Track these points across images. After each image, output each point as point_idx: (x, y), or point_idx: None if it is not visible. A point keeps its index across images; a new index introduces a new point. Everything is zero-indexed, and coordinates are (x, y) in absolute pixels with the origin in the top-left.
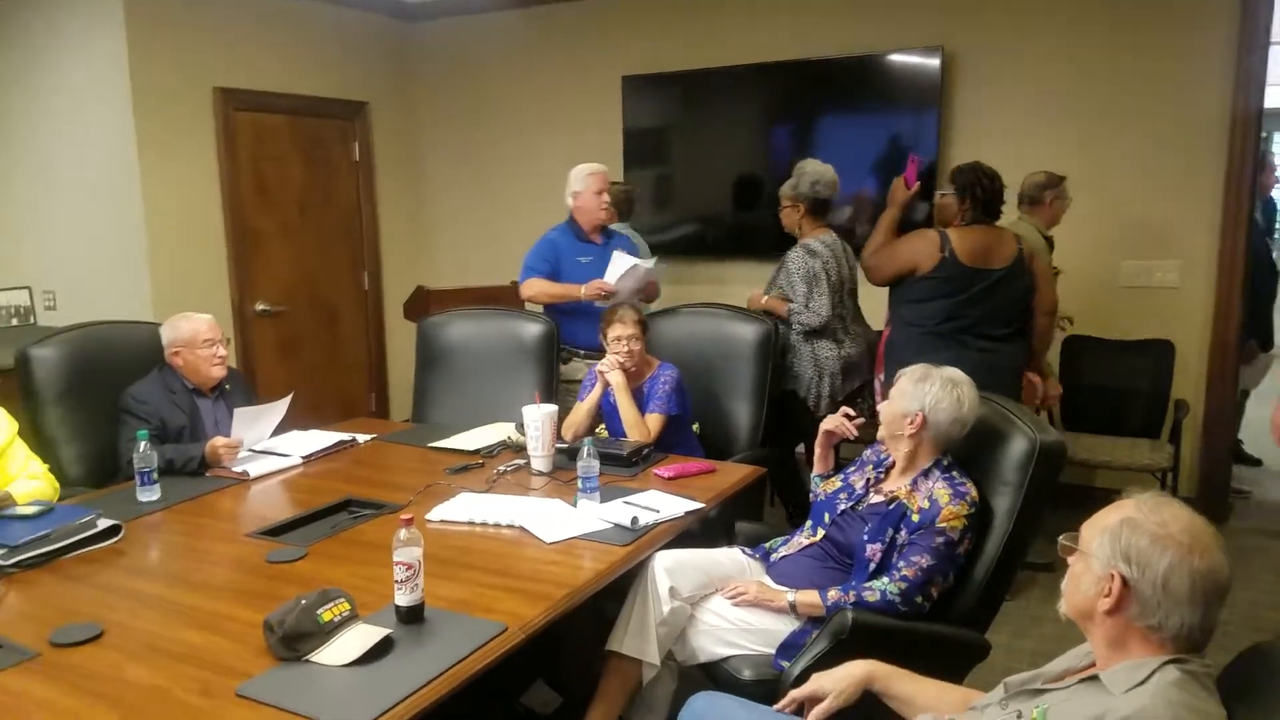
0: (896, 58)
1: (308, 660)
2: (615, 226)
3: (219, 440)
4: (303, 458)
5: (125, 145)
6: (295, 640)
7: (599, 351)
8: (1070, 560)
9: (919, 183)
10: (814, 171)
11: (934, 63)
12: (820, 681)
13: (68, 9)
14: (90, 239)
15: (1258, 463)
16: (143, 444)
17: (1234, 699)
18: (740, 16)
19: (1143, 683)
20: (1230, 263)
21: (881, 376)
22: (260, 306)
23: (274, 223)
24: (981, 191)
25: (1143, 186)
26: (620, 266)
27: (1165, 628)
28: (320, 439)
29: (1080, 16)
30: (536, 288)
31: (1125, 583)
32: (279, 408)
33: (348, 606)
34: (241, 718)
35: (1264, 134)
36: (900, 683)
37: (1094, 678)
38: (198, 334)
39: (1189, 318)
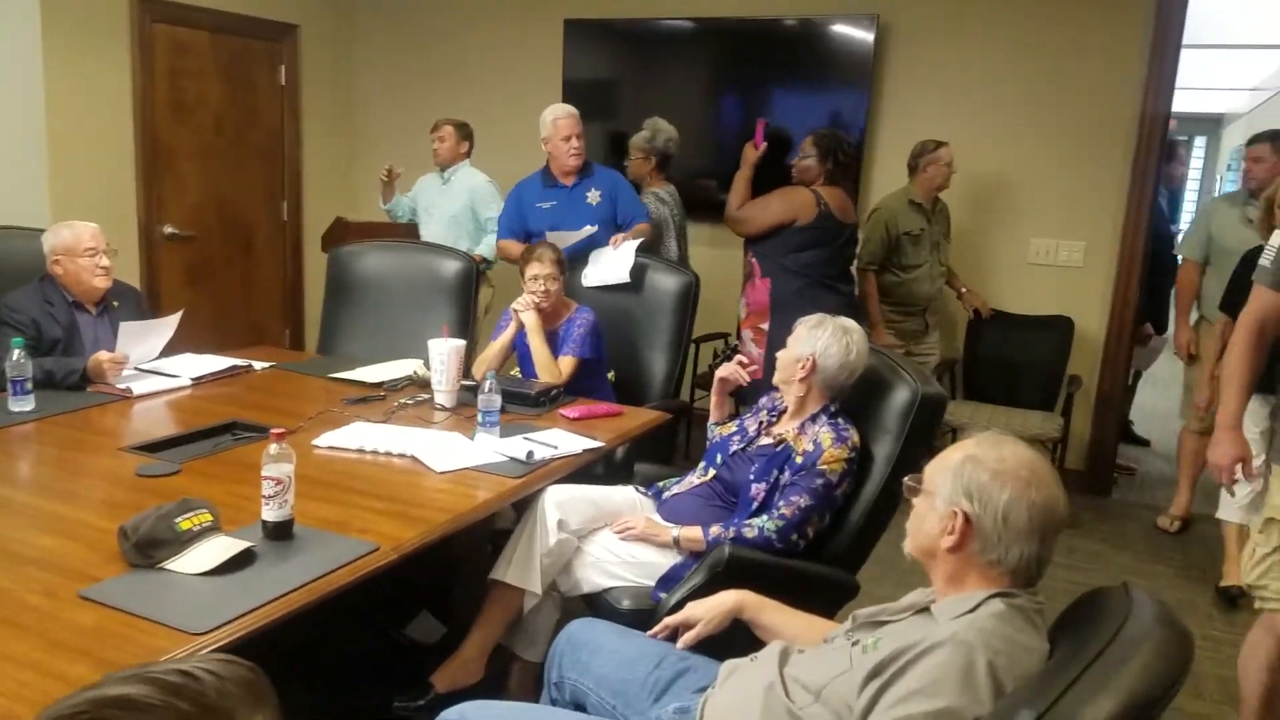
0: (836, 25)
1: (161, 568)
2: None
3: (103, 355)
4: (192, 379)
5: (31, 51)
6: (149, 547)
7: None
8: (915, 501)
9: (765, 144)
10: (667, 129)
11: (869, 35)
12: (692, 609)
13: None
14: None
15: (1146, 443)
16: (17, 352)
17: (1061, 633)
18: None
19: (967, 613)
20: (1131, 247)
21: (764, 325)
22: (169, 230)
23: (189, 143)
24: (843, 155)
25: (1056, 169)
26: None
27: (1005, 561)
28: (213, 362)
29: (1012, 3)
30: (506, 252)
31: (968, 519)
32: (168, 324)
33: (209, 517)
34: (81, 620)
35: (1184, 137)
36: (768, 613)
37: (927, 609)
38: (79, 241)
39: (1090, 297)
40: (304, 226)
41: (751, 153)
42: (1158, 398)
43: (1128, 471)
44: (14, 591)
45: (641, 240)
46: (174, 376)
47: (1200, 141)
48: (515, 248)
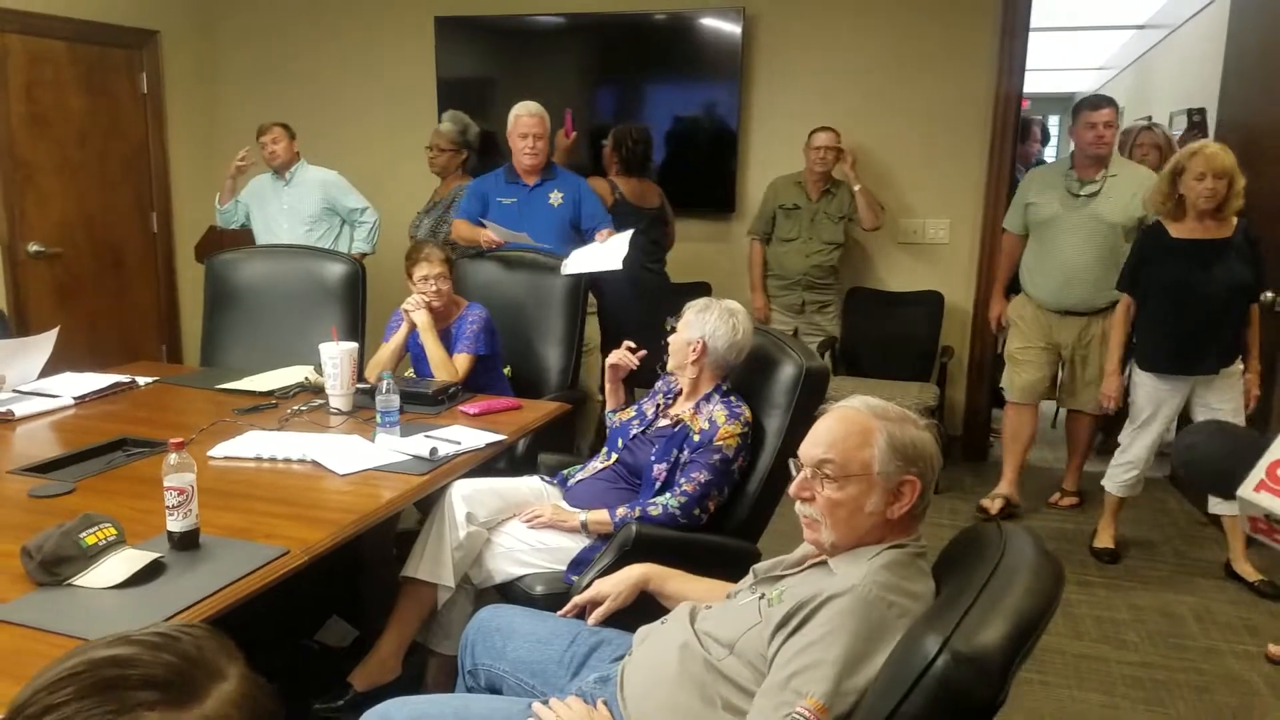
0: (703, 20)
1: (69, 584)
2: None
3: None
4: (74, 398)
5: None
6: (55, 564)
7: None
8: (831, 494)
9: (575, 132)
10: (474, 125)
11: (736, 28)
12: (599, 586)
13: None
14: None
15: None
16: None
17: (946, 569)
18: None
19: (863, 563)
20: (993, 222)
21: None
22: (34, 247)
23: (50, 157)
24: (626, 150)
25: (921, 151)
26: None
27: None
28: (95, 380)
29: None
30: (457, 229)
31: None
32: (43, 341)
33: (114, 532)
34: None
35: (1040, 116)
36: (672, 582)
37: (824, 562)
38: None
39: (957, 272)
40: (175, 238)
41: (562, 140)
42: None
43: (1000, 433)
44: None
45: (633, 232)
46: (55, 396)
47: (1054, 120)
48: (469, 229)
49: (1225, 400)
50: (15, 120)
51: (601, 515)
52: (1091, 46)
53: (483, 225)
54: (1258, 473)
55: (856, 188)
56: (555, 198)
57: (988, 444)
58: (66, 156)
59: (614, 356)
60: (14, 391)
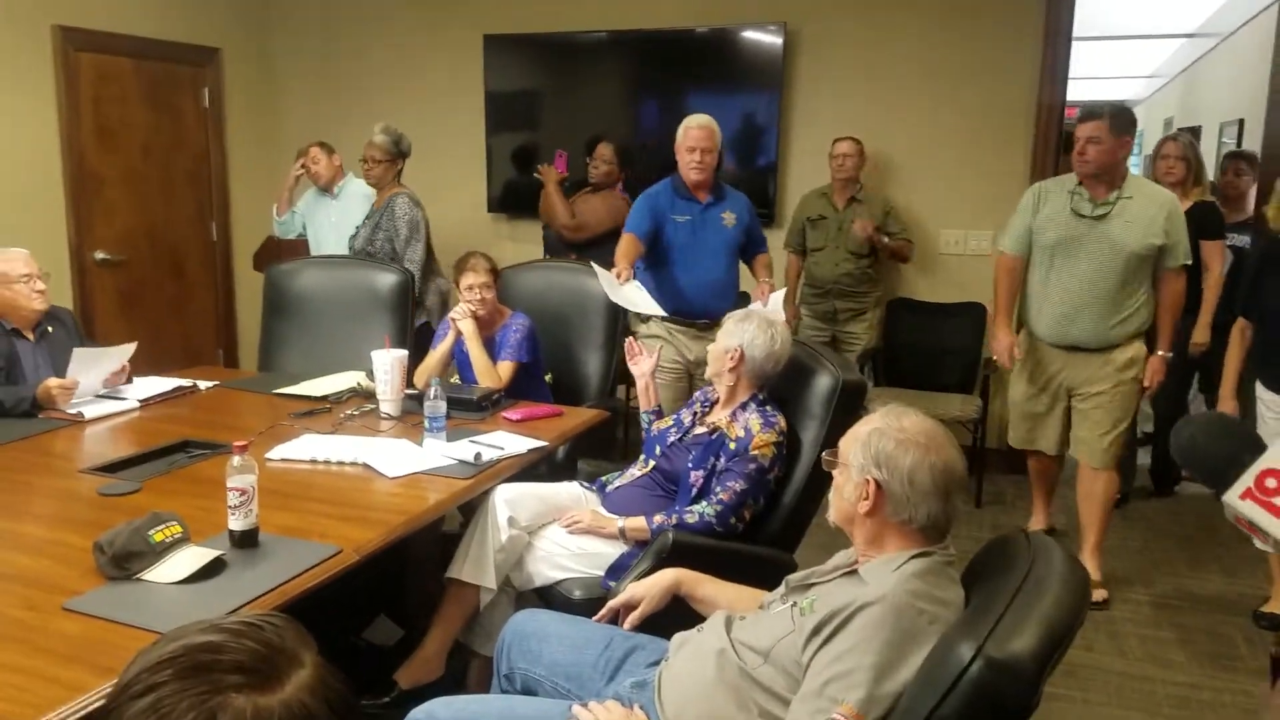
0: (745, 34)
1: (138, 579)
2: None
3: (52, 381)
4: (139, 401)
5: None
6: (125, 560)
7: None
8: (835, 473)
9: (566, 173)
10: (405, 136)
11: (777, 40)
12: (633, 590)
13: None
14: None
15: None
16: None
17: (972, 579)
18: None
19: (892, 573)
20: None
21: None
22: (100, 255)
23: (116, 169)
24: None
25: (961, 162)
26: None
27: (915, 520)
28: (159, 384)
29: (909, 4)
30: (622, 246)
31: (879, 485)
32: (119, 353)
33: (179, 529)
34: (68, 629)
35: None
36: (704, 586)
37: (854, 571)
38: (12, 268)
39: None
40: (234, 246)
41: (554, 175)
42: None
43: None
44: None
45: (785, 291)
46: (122, 399)
47: None
48: (635, 246)
49: None
50: (85, 134)
51: (639, 522)
52: (1140, 54)
53: (628, 266)
54: (1247, 479)
55: (856, 223)
56: (729, 218)
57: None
58: (132, 168)
59: (637, 365)
60: (86, 396)
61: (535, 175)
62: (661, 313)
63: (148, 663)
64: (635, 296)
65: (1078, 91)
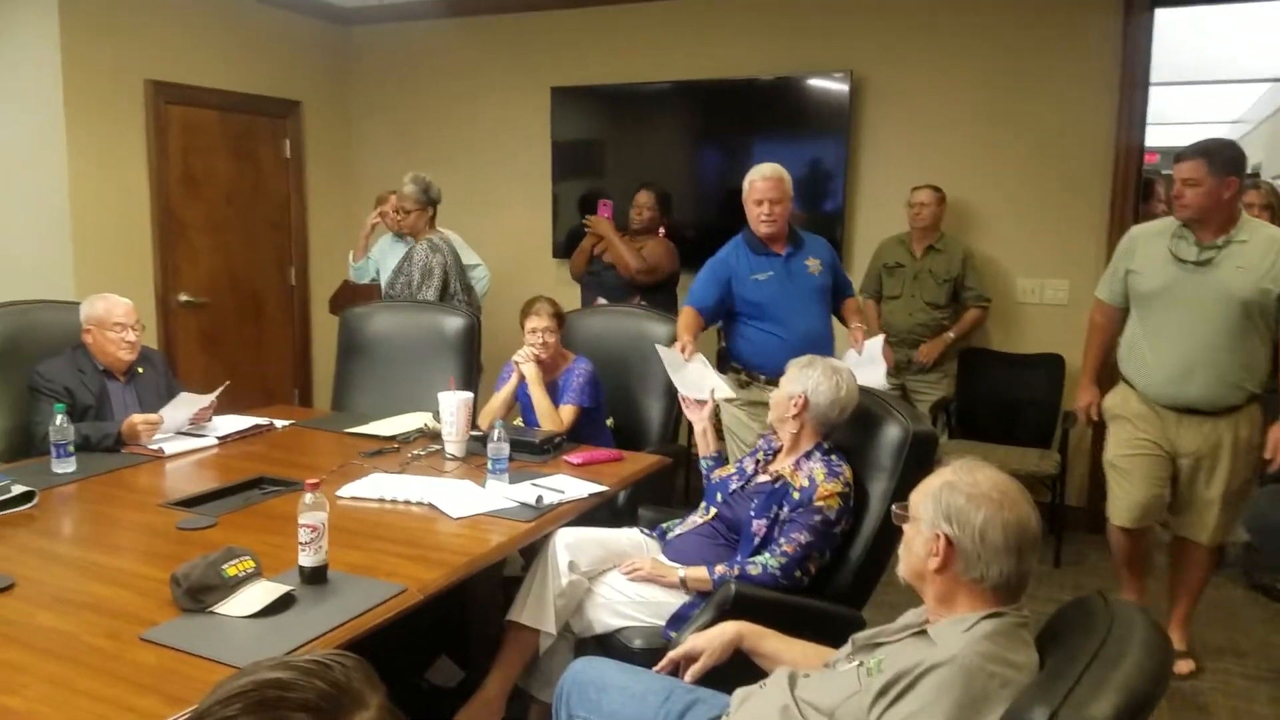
0: (810, 81)
1: (211, 611)
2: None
3: (137, 417)
4: (218, 438)
5: (54, 133)
6: (199, 592)
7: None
8: (905, 528)
9: (610, 217)
10: (434, 183)
11: (843, 88)
12: (694, 641)
13: None
14: (14, 226)
15: None
16: (59, 417)
17: (1051, 642)
18: (664, 35)
19: (962, 634)
20: None
21: None
22: (184, 298)
23: (201, 215)
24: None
25: (1037, 210)
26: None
27: (987, 578)
28: (237, 422)
29: (979, 50)
30: (682, 319)
31: (949, 541)
32: (206, 399)
33: (252, 564)
34: (144, 659)
35: (1169, 172)
36: (768, 641)
37: (923, 631)
38: (110, 314)
39: (1078, 334)
40: (310, 291)
41: (606, 223)
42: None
43: None
44: (79, 635)
45: (884, 336)
46: (201, 436)
47: None
48: (697, 320)
49: None
50: (172, 182)
51: (700, 573)
52: (1225, 99)
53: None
54: None
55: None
56: (813, 265)
57: None
58: (215, 215)
59: (695, 417)
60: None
61: (584, 227)
62: (731, 394)
63: (220, 696)
64: (703, 379)
65: (1158, 137)
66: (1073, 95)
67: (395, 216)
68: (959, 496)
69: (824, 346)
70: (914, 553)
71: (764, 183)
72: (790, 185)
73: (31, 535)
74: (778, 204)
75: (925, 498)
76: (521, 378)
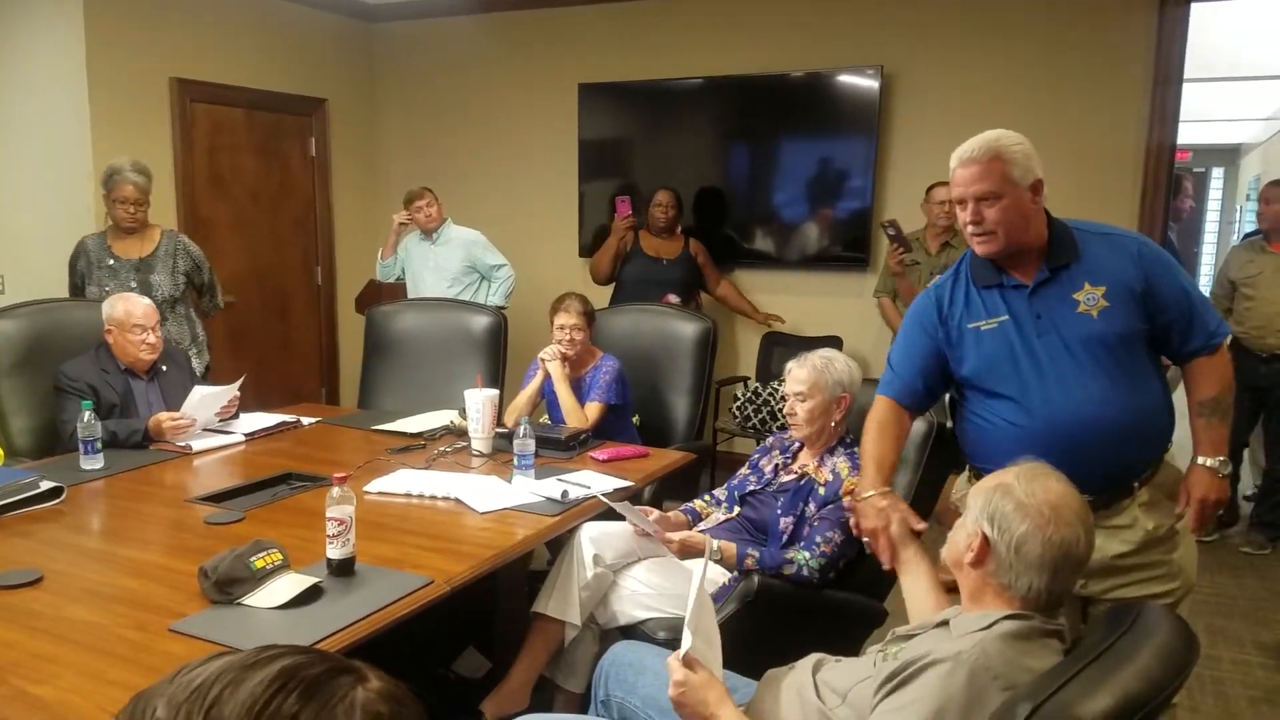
0: (840, 78)
1: (239, 603)
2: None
3: (163, 415)
4: (245, 435)
5: (79, 131)
6: (228, 584)
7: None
8: (962, 513)
9: (630, 214)
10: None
11: (874, 84)
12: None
13: None
14: (41, 225)
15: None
16: (87, 414)
17: (1072, 650)
18: (692, 31)
19: (978, 631)
20: None
21: None
22: None
23: (227, 214)
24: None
25: (1064, 206)
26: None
27: (1014, 587)
28: (264, 419)
29: (1010, 47)
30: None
31: (986, 540)
32: (229, 390)
33: (280, 557)
34: (173, 650)
35: (1201, 169)
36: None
37: (946, 622)
38: (130, 316)
39: None
40: (337, 289)
41: (619, 223)
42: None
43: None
44: (110, 627)
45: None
46: (229, 433)
47: (1218, 173)
48: (895, 417)
49: None
50: (199, 181)
51: (731, 547)
52: (1257, 95)
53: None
54: None
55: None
56: (1088, 296)
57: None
58: (241, 214)
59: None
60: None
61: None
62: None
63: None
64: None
65: (1190, 134)
66: (1104, 92)
67: (419, 215)
68: (1008, 502)
69: (1122, 442)
70: (955, 542)
71: (965, 170)
72: (1023, 164)
73: (60, 530)
74: (994, 202)
75: (979, 492)
76: (547, 374)
